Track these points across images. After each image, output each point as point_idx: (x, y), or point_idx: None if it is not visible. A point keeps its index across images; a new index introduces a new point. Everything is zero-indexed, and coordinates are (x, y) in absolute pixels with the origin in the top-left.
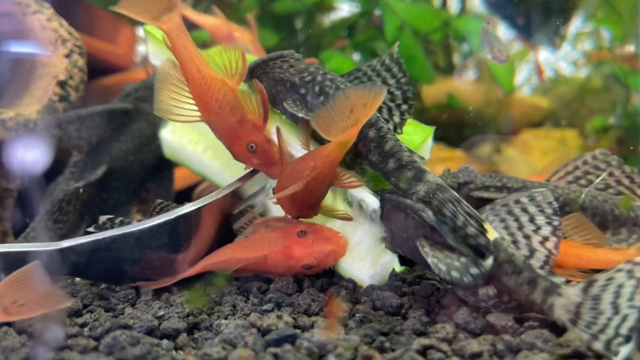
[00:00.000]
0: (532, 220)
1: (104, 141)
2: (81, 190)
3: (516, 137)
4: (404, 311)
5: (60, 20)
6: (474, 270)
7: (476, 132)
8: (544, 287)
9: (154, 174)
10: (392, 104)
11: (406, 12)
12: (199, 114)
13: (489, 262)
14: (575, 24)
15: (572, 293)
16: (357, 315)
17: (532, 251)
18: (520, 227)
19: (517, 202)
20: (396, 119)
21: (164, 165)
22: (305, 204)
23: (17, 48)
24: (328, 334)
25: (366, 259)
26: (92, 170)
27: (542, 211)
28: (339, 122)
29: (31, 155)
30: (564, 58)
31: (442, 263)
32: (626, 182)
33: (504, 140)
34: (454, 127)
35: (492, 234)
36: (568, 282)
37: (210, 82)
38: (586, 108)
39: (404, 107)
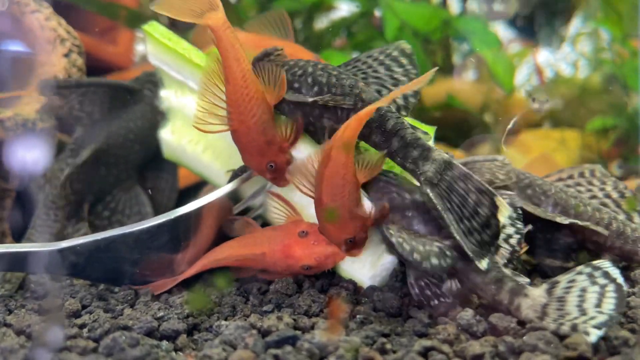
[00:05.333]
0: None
1: (105, 118)
2: (70, 175)
3: (516, 137)
4: (404, 312)
5: (59, 19)
6: (434, 261)
7: (476, 132)
8: (511, 287)
9: (155, 162)
10: (395, 89)
11: (406, 12)
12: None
13: (483, 264)
14: (575, 25)
15: (538, 294)
16: (357, 316)
17: (497, 247)
18: None
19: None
20: (399, 101)
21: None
22: (340, 207)
23: (15, 47)
24: (329, 336)
25: (366, 259)
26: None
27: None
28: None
29: (30, 155)
30: (563, 59)
31: (407, 243)
32: (615, 195)
33: (504, 140)
34: (454, 127)
35: (505, 211)
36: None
37: (253, 93)
38: (586, 108)
39: (408, 92)
